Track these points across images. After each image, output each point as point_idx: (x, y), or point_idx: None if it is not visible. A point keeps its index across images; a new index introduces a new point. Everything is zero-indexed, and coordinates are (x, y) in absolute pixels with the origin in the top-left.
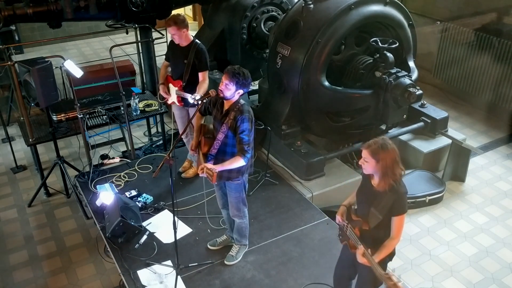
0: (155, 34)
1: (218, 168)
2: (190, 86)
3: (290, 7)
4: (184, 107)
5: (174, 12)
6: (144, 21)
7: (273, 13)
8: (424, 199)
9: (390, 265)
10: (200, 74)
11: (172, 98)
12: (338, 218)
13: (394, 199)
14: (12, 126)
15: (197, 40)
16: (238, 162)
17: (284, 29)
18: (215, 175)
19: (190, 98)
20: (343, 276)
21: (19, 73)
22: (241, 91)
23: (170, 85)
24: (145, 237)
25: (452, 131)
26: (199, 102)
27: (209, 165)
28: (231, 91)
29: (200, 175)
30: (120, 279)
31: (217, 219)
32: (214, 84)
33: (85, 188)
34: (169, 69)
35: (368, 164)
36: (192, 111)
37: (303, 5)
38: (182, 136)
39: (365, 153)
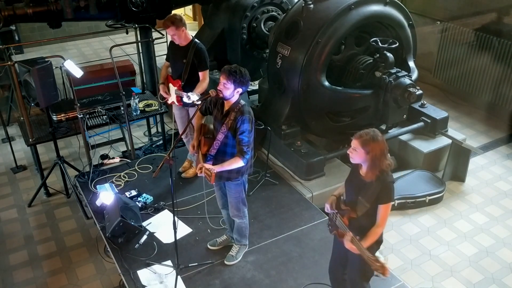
0: (155, 34)
1: (217, 168)
2: (190, 85)
3: (290, 7)
4: (183, 107)
5: (174, 12)
6: (144, 21)
7: (273, 13)
8: (424, 199)
9: (392, 265)
10: (200, 74)
11: (172, 98)
12: (327, 206)
13: (381, 188)
14: (12, 126)
15: (196, 40)
16: (237, 163)
17: (284, 29)
18: (214, 175)
19: (185, 96)
20: (337, 268)
21: (19, 73)
22: (240, 90)
23: (170, 85)
24: (145, 237)
25: (452, 131)
26: (199, 102)
27: (208, 165)
28: (229, 90)
29: (198, 174)
30: (120, 279)
31: (217, 219)
32: (214, 84)
33: (85, 188)
34: (170, 69)
35: (356, 153)
36: (192, 111)
37: (303, 5)
38: (182, 136)
39: (355, 143)
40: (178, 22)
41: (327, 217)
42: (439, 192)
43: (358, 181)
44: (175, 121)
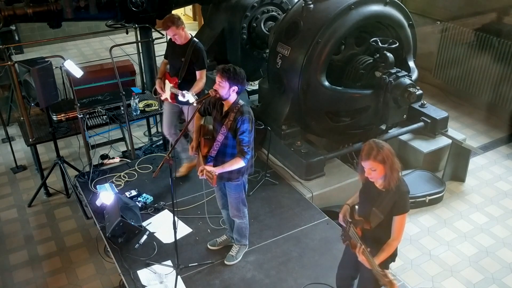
0: (155, 34)
1: (218, 170)
2: (186, 84)
3: (290, 7)
4: (177, 104)
5: (173, 12)
6: (144, 21)
7: (273, 13)
8: (424, 199)
9: (391, 265)
10: (198, 73)
11: (166, 95)
12: (341, 216)
13: (397, 198)
14: (12, 126)
15: (195, 39)
16: (238, 164)
17: (284, 29)
18: (215, 178)
19: (180, 95)
20: (346, 276)
21: (19, 73)
22: (235, 88)
23: (166, 82)
24: (145, 237)
25: (452, 131)
26: (194, 103)
27: (209, 167)
28: (225, 89)
29: (200, 177)
30: (120, 279)
31: (217, 219)
32: (213, 84)
33: (85, 188)
34: (168, 67)
35: (376, 171)
36: (185, 109)
37: (303, 5)
38: (167, 136)
39: (369, 163)
40: (177, 22)
41: (327, 217)
42: (439, 192)
43: (373, 192)
44: (158, 121)
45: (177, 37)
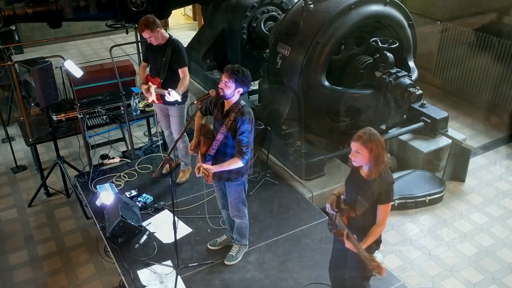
0: None
1: (215, 168)
2: (169, 83)
3: (290, 7)
4: (164, 105)
5: (174, 12)
6: None
7: (273, 13)
8: (424, 199)
9: (391, 264)
10: (180, 71)
11: (152, 97)
12: (328, 206)
13: (381, 188)
14: (12, 126)
15: (173, 37)
16: (237, 164)
17: (284, 29)
18: (211, 176)
19: (166, 94)
20: (337, 267)
21: (19, 73)
22: (240, 90)
23: (150, 83)
24: (145, 237)
25: (452, 131)
26: (178, 98)
27: (206, 165)
28: (230, 89)
29: (197, 175)
30: (120, 279)
31: (217, 219)
32: (214, 84)
33: (85, 188)
34: (148, 69)
35: (360, 155)
36: (171, 109)
37: (303, 5)
38: (166, 134)
39: (357, 145)
40: (152, 25)
41: (327, 217)
42: (439, 192)
43: (359, 181)
44: (158, 121)
45: (152, 39)
